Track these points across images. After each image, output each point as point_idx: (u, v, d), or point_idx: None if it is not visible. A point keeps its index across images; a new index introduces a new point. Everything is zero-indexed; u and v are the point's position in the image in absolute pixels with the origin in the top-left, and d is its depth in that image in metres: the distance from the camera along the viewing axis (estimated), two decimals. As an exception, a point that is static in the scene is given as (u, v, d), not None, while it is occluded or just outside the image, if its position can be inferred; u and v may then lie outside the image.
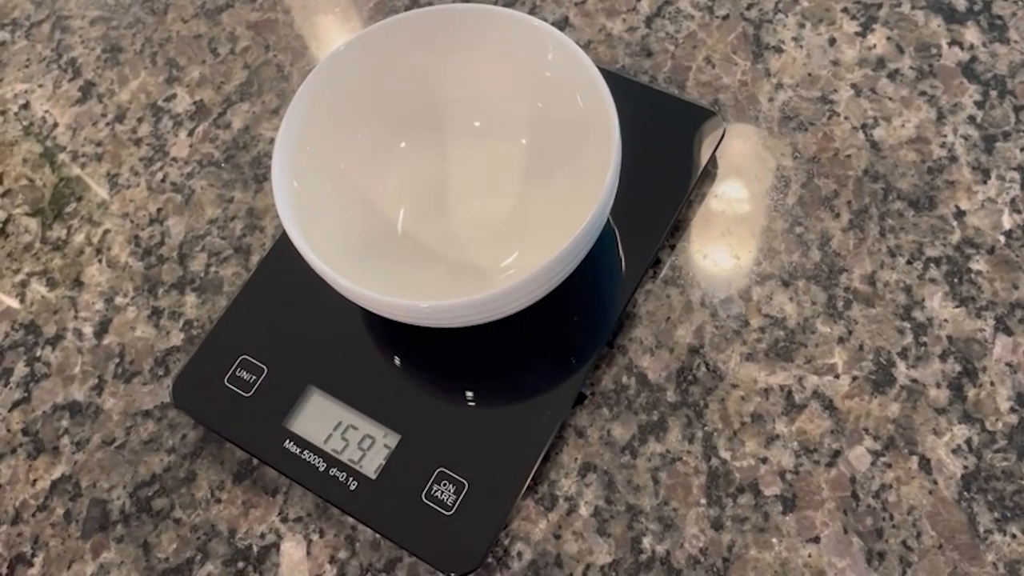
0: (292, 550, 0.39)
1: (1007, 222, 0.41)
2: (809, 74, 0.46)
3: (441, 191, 0.43)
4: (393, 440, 0.39)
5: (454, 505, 0.37)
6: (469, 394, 0.40)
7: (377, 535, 0.39)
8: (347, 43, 0.40)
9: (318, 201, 0.39)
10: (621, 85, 0.45)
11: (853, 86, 0.45)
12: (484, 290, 0.34)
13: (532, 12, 0.50)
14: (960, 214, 0.42)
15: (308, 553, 0.39)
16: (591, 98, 0.38)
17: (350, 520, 0.39)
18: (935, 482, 0.37)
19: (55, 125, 0.53)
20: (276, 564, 0.39)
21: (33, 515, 0.42)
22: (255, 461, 0.41)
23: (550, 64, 0.40)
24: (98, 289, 0.47)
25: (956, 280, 0.40)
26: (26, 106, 0.54)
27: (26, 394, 0.45)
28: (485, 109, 0.43)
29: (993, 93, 0.44)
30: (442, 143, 0.44)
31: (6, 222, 0.50)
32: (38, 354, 0.46)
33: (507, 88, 0.42)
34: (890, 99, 0.45)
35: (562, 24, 0.50)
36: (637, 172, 0.43)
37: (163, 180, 0.49)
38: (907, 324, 0.40)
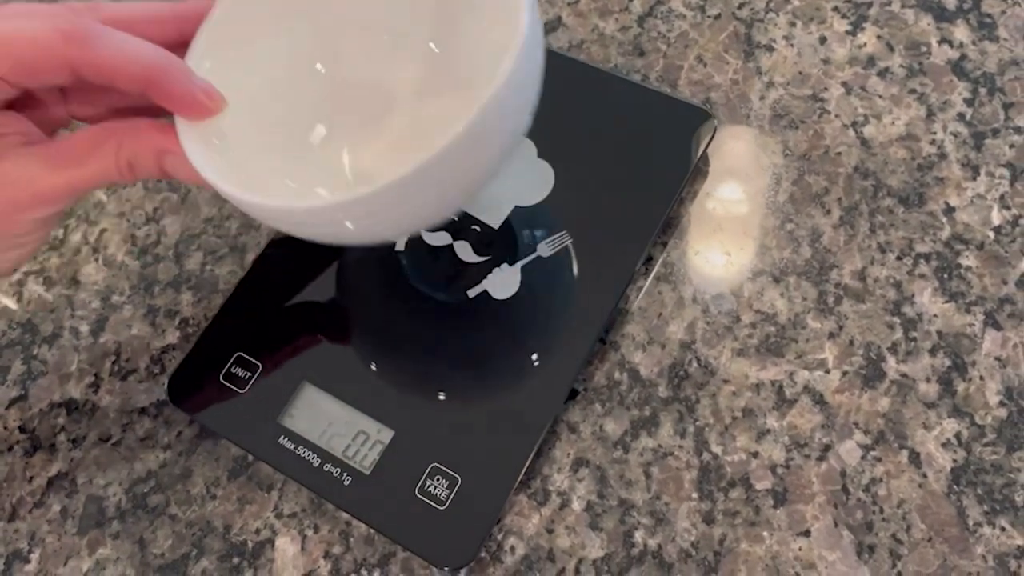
0: (287, 545, 0.39)
1: (996, 218, 0.42)
2: (800, 72, 0.46)
3: (353, 107, 0.41)
4: (387, 436, 0.39)
5: (447, 500, 0.38)
6: (462, 391, 0.41)
7: (371, 530, 0.39)
8: None
9: (229, 121, 0.36)
10: (614, 84, 0.46)
11: (844, 84, 0.46)
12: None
13: (525, 12, 0.51)
14: (950, 210, 0.42)
15: (303, 548, 0.39)
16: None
17: (344, 515, 0.40)
18: (925, 476, 0.37)
19: (52, 126, 0.53)
20: (271, 559, 0.39)
21: (30, 512, 0.42)
22: (250, 457, 0.41)
23: None
24: (95, 288, 0.47)
25: (946, 276, 0.41)
26: (23, 107, 0.54)
27: (23, 392, 0.45)
28: (393, 23, 0.40)
29: (982, 90, 0.45)
30: (352, 58, 0.41)
31: (3, 222, 0.50)
32: (35, 352, 0.46)
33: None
34: (880, 97, 0.45)
35: (555, 24, 0.50)
36: (629, 170, 0.44)
37: (159, 179, 0.50)
38: (897, 319, 0.40)
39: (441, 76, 0.40)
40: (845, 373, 0.39)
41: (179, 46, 0.35)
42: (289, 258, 0.45)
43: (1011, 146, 0.43)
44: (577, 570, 0.37)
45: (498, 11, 0.34)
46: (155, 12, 0.35)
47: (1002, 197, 0.42)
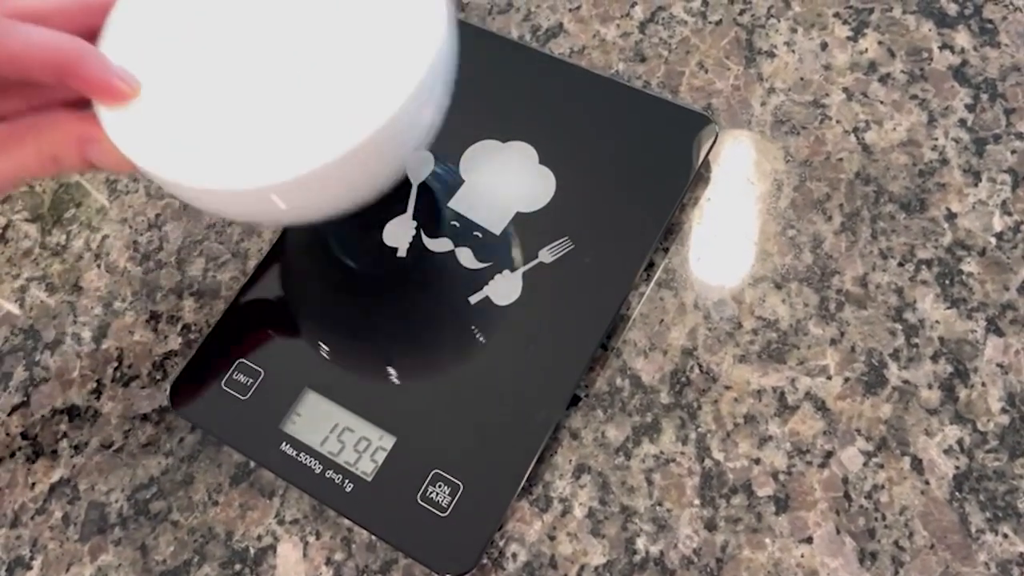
0: (289, 552, 0.39)
1: (998, 224, 0.42)
2: (801, 78, 0.46)
3: (257, 81, 0.39)
4: (389, 442, 0.39)
5: (449, 506, 0.38)
6: (464, 397, 0.41)
7: (373, 537, 0.39)
8: None
9: (148, 104, 0.35)
10: (615, 90, 0.46)
11: (845, 90, 0.46)
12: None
13: (526, 18, 0.51)
14: (951, 216, 0.42)
15: (304, 555, 0.39)
16: None
17: (346, 522, 0.40)
18: (927, 482, 0.37)
19: (55, 132, 0.53)
20: (273, 566, 0.39)
21: (32, 518, 0.42)
22: (252, 464, 0.41)
23: None
24: (97, 294, 0.47)
25: (947, 282, 0.41)
26: (26, 113, 0.54)
27: (25, 398, 0.45)
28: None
29: (984, 96, 0.45)
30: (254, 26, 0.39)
31: (6, 228, 0.50)
32: (37, 358, 0.46)
33: None
34: (881, 103, 0.45)
35: (556, 30, 0.50)
36: (630, 176, 0.44)
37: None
38: (899, 326, 0.40)
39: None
40: (847, 379, 0.39)
41: (87, 38, 0.34)
42: (291, 264, 0.45)
43: (1013, 152, 0.43)
44: (579, 577, 0.37)
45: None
46: (61, 4, 0.35)
47: (1004, 203, 0.42)
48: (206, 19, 0.39)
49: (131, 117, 0.34)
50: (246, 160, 0.37)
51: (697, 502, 0.38)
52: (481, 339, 0.41)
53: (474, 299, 0.42)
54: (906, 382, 0.39)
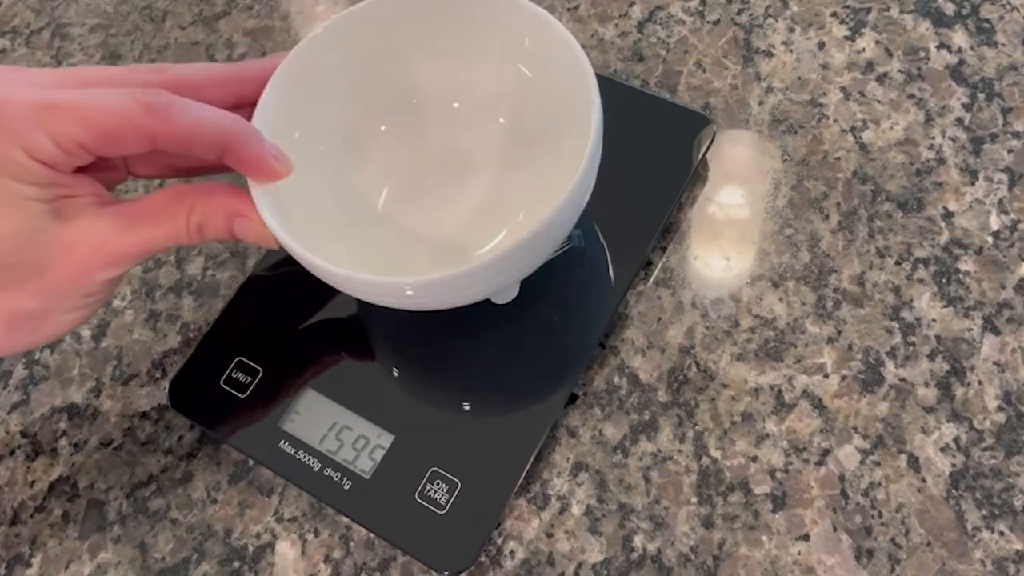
0: (287, 550, 0.40)
1: (995, 223, 0.42)
2: (799, 78, 0.47)
3: (422, 173, 0.43)
4: (387, 440, 0.39)
5: (447, 504, 0.38)
6: (462, 395, 0.41)
7: (371, 534, 0.39)
8: (324, 26, 0.39)
9: (296, 184, 0.38)
10: (613, 89, 0.46)
11: (842, 89, 0.46)
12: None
13: (525, 18, 0.51)
14: (948, 215, 0.42)
15: (303, 553, 0.39)
16: (572, 73, 0.37)
17: (344, 520, 0.40)
18: (923, 480, 0.37)
19: (54, 131, 0.53)
20: (271, 563, 0.39)
21: (31, 516, 0.42)
22: (251, 462, 0.42)
23: (530, 40, 0.39)
24: (96, 293, 0.47)
25: (944, 280, 0.41)
26: (26, 112, 0.54)
27: (25, 396, 0.45)
28: (464, 89, 0.43)
29: (981, 96, 0.45)
30: (422, 125, 0.43)
31: (6, 227, 0.50)
32: (36, 357, 0.46)
33: (486, 66, 0.41)
34: (879, 102, 0.45)
35: (555, 29, 0.50)
36: (628, 175, 0.44)
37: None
38: (896, 324, 0.40)
39: (508, 148, 0.43)
40: (844, 378, 0.39)
41: (240, 107, 0.36)
42: (290, 264, 0.45)
43: (1009, 151, 0.43)
44: (577, 574, 0.37)
45: (571, 110, 0.37)
46: (218, 74, 0.36)
47: (1000, 202, 0.42)
48: (358, 103, 0.42)
49: (280, 194, 0.36)
50: (384, 251, 0.39)
51: (694, 500, 0.38)
52: (479, 337, 0.42)
53: (472, 297, 0.42)
54: (903, 380, 0.39)
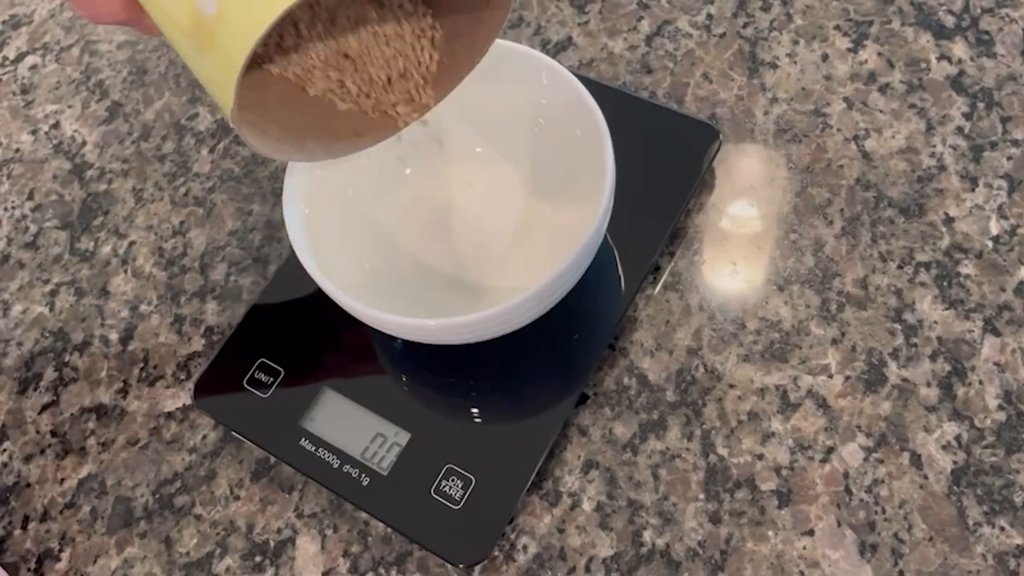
0: (307, 544, 0.41)
1: (994, 228, 0.43)
2: (803, 88, 0.48)
3: (446, 214, 0.45)
4: (404, 438, 0.41)
5: (462, 500, 0.39)
6: (476, 395, 0.42)
7: (388, 529, 0.40)
8: None
9: (328, 226, 0.41)
10: (622, 101, 0.48)
11: (845, 99, 0.47)
12: (488, 308, 0.36)
13: (536, 32, 0.53)
14: (949, 220, 0.43)
15: (322, 547, 0.41)
16: (585, 122, 0.40)
17: (363, 515, 0.41)
18: (926, 477, 0.38)
19: (83, 143, 0.55)
20: (292, 558, 0.41)
21: (61, 512, 0.44)
22: (272, 459, 0.43)
23: (545, 91, 0.42)
24: (124, 298, 0.49)
25: (945, 283, 0.42)
26: (56, 126, 0.56)
27: (55, 397, 0.47)
28: (486, 135, 0.45)
29: (980, 105, 0.46)
30: (446, 168, 0.46)
31: (37, 235, 0.52)
32: (66, 359, 0.48)
33: (506, 115, 0.44)
34: (881, 112, 0.47)
35: (566, 43, 0.52)
36: (638, 183, 0.45)
37: (186, 194, 0.52)
38: (898, 326, 0.41)
39: (526, 187, 0.45)
40: (848, 378, 0.40)
41: None
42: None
43: (1009, 158, 0.44)
44: (587, 568, 0.38)
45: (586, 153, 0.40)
46: None
47: (1000, 208, 0.43)
48: (386, 150, 0.43)
49: (313, 230, 0.40)
50: (408, 287, 0.43)
51: (702, 496, 0.39)
52: (495, 340, 0.43)
53: (486, 301, 0.43)
54: (905, 380, 0.40)
